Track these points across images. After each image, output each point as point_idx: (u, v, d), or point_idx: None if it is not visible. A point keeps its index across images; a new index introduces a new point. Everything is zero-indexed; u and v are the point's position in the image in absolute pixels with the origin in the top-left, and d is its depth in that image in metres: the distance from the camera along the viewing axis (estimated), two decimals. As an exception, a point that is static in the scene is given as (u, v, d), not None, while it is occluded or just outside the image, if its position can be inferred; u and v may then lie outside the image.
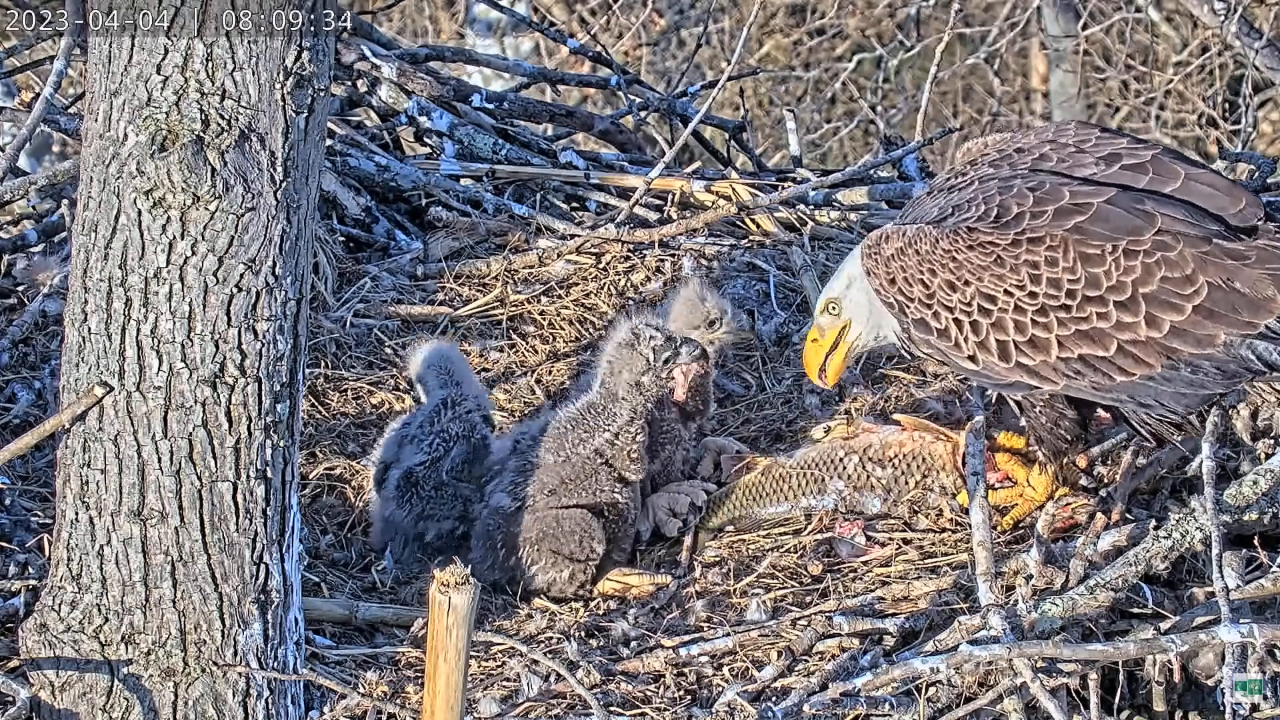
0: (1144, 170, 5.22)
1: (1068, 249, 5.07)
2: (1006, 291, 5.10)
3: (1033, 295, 5.09)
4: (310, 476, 5.96)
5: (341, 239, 7.04)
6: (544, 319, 6.63)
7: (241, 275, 4.50)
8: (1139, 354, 5.07)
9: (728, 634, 5.14)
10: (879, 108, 14.39)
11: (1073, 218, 5.10)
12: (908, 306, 5.22)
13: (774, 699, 4.85)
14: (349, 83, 7.51)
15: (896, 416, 5.79)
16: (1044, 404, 5.29)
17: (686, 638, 5.16)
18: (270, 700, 4.66)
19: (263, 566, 4.62)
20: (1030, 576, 5.10)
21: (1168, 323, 5.05)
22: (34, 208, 6.95)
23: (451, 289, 6.78)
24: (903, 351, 5.43)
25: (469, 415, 5.81)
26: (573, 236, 6.93)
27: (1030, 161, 5.29)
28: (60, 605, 4.63)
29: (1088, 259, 5.06)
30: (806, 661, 5.02)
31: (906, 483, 5.63)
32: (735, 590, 5.41)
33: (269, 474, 4.60)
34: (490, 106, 7.65)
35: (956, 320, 5.17)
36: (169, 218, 4.46)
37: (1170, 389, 5.09)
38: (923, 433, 5.70)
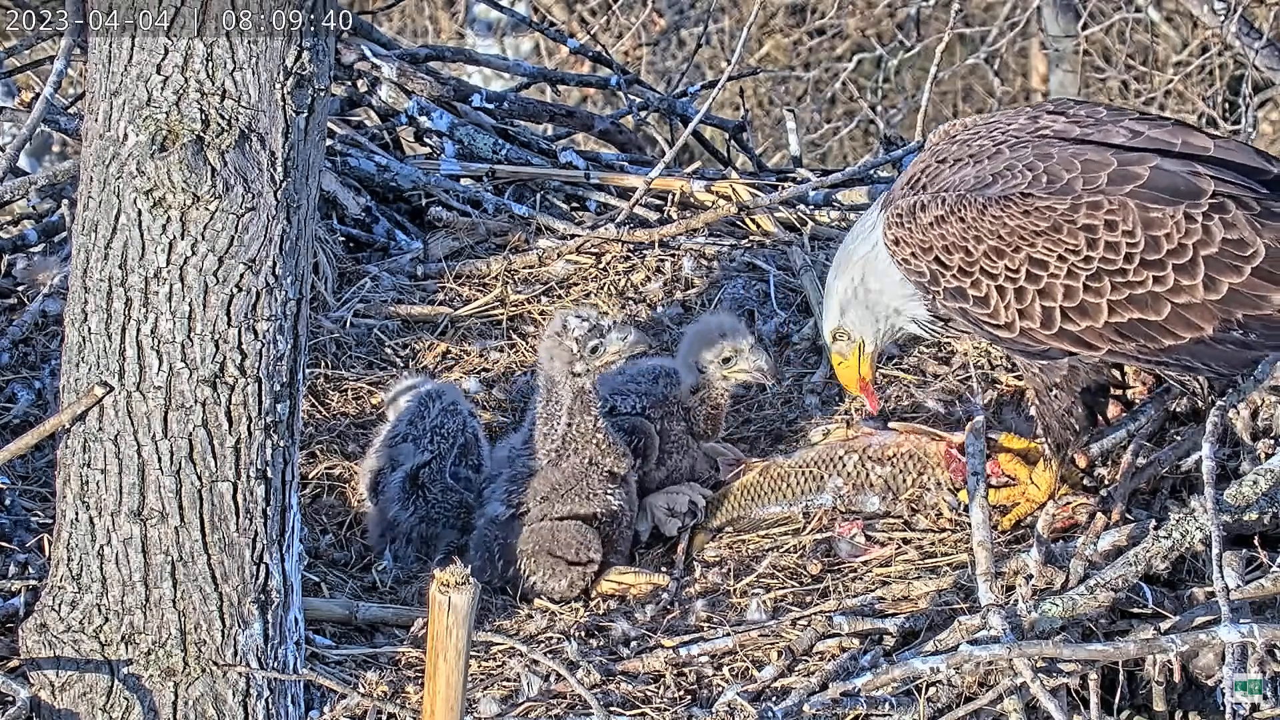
0: (1174, 135, 5.22)
1: (1128, 213, 5.05)
2: (1060, 257, 5.07)
3: (1088, 260, 5.05)
4: (310, 476, 5.95)
5: (341, 239, 7.03)
6: (544, 319, 6.63)
7: (241, 275, 4.50)
8: (1192, 317, 5.06)
9: (728, 634, 5.14)
10: (879, 108, 14.39)
11: (1129, 182, 5.08)
12: (942, 275, 5.18)
13: (774, 699, 4.85)
14: (349, 83, 7.51)
15: (892, 425, 5.80)
16: (1060, 389, 5.28)
17: (686, 638, 5.16)
18: (270, 700, 4.66)
19: (263, 566, 4.62)
20: (1030, 576, 5.10)
21: (1226, 285, 5.04)
22: (34, 208, 6.95)
23: (451, 289, 6.78)
24: (922, 333, 5.42)
25: (455, 407, 5.81)
26: (573, 236, 6.93)
27: (1053, 132, 5.27)
28: (60, 605, 4.63)
29: (1149, 223, 5.04)
30: (806, 661, 5.02)
31: (904, 480, 5.63)
32: (735, 590, 5.41)
33: (269, 474, 4.60)
34: (490, 106, 7.65)
35: (999, 288, 5.13)
36: (169, 218, 4.46)
37: (1219, 351, 5.08)
38: (919, 435, 5.71)
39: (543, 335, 5.62)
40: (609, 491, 5.56)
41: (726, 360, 5.80)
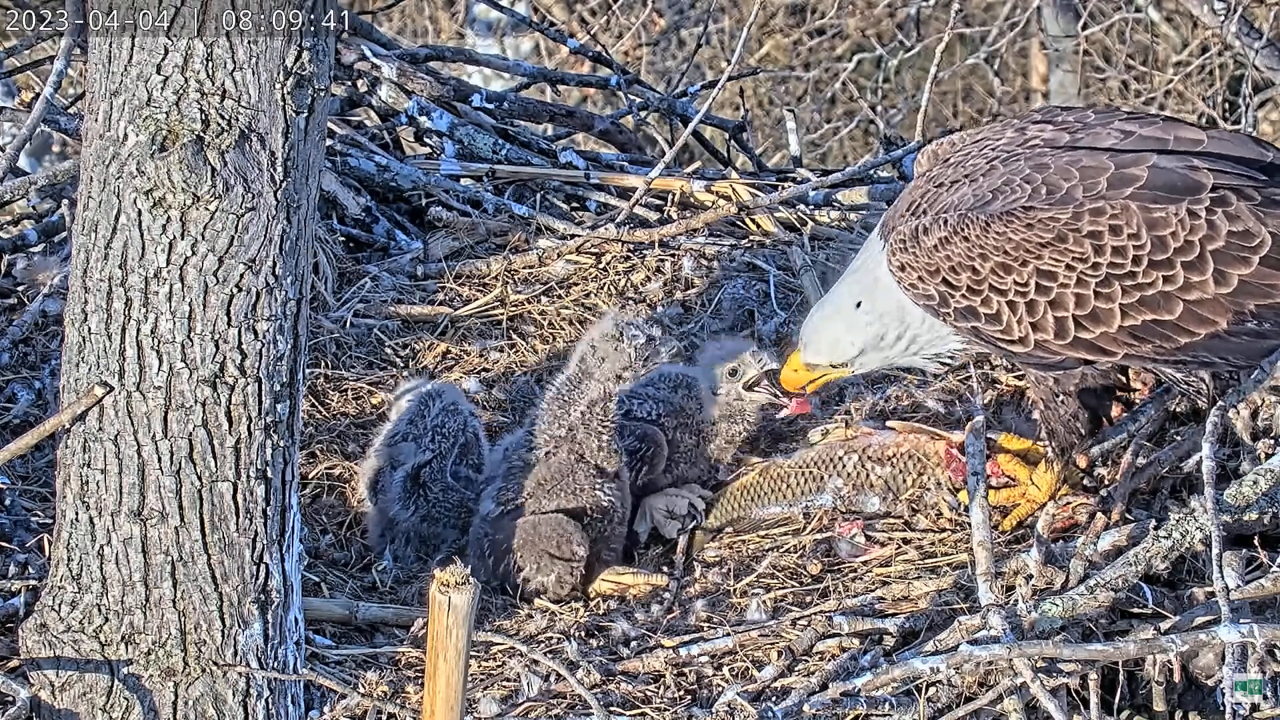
0: (1166, 131, 5.21)
1: (1131, 215, 5.04)
2: (1068, 266, 5.04)
3: (1095, 267, 5.03)
4: (310, 476, 5.96)
5: (341, 239, 7.04)
6: (544, 319, 6.63)
7: (241, 275, 4.50)
8: (1205, 313, 5.05)
9: (728, 634, 5.14)
10: (879, 108, 14.39)
11: (1129, 185, 5.07)
12: (951, 296, 5.16)
13: (774, 699, 4.85)
14: (349, 83, 7.51)
15: (891, 424, 5.80)
16: (1067, 395, 5.27)
17: (686, 638, 5.17)
18: (270, 700, 4.67)
19: (263, 566, 4.63)
20: (1030, 576, 5.10)
21: (1236, 277, 5.03)
22: (34, 208, 6.95)
23: (451, 289, 6.78)
24: (932, 366, 5.41)
25: (455, 407, 5.81)
26: (573, 236, 6.93)
27: (1043, 142, 5.26)
28: (60, 605, 4.63)
29: (1154, 223, 5.03)
30: (806, 661, 5.02)
31: (904, 480, 5.63)
32: (735, 590, 5.41)
33: (269, 474, 4.60)
34: (490, 106, 7.65)
35: (1010, 303, 5.11)
36: (169, 218, 4.46)
37: (1234, 344, 5.07)
38: (919, 435, 5.71)
39: (592, 331, 5.65)
40: (597, 487, 5.56)
41: (734, 373, 5.81)
